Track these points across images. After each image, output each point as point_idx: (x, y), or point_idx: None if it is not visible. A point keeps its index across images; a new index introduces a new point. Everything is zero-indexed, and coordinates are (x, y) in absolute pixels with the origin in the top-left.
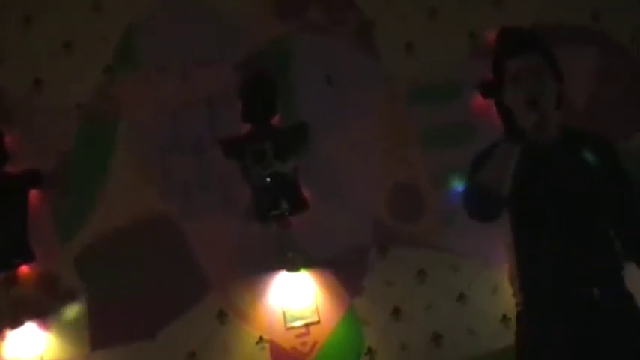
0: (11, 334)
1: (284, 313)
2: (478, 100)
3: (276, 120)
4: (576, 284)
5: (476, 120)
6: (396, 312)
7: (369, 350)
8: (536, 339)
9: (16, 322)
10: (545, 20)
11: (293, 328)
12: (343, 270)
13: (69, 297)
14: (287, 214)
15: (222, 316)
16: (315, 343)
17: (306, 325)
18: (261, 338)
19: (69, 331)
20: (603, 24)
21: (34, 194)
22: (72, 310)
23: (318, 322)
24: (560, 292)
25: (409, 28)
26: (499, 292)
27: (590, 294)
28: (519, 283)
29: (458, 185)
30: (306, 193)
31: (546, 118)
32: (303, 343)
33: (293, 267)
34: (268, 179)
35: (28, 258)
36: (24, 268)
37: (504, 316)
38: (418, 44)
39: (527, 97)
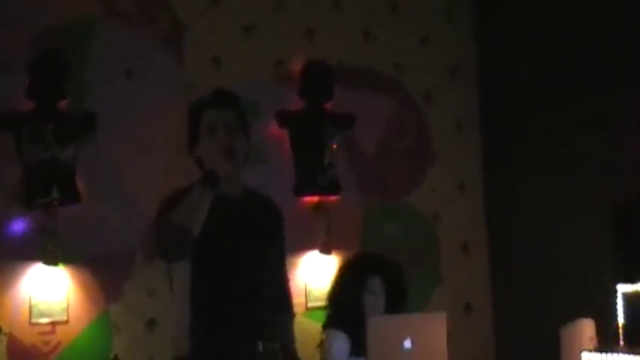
0: None
1: (30, 307)
2: (274, 127)
3: (63, 103)
4: (244, 336)
5: (269, 142)
6: (151, 324)
7: (115, 359)
8: None
9: None
10: (351, 61)
11: (38, 324)
12: (104, 272)
13: None
14: (57, 203)
15: None
16: (58, 344)
17: (53, 323)
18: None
19: None
20: (404, 76)
21: None
22: None
23: (67, 322)
24: (228, 342)
25: (220, 42)
26: None
27: (255, 347)
28: (189, 329)
29: None
30: (81, 185)
31: (237, 171)
32: (46, 342)
33: (51, 260)
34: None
35: None
36: None
37: None
38: (225, 59)
39: (222, 146)
